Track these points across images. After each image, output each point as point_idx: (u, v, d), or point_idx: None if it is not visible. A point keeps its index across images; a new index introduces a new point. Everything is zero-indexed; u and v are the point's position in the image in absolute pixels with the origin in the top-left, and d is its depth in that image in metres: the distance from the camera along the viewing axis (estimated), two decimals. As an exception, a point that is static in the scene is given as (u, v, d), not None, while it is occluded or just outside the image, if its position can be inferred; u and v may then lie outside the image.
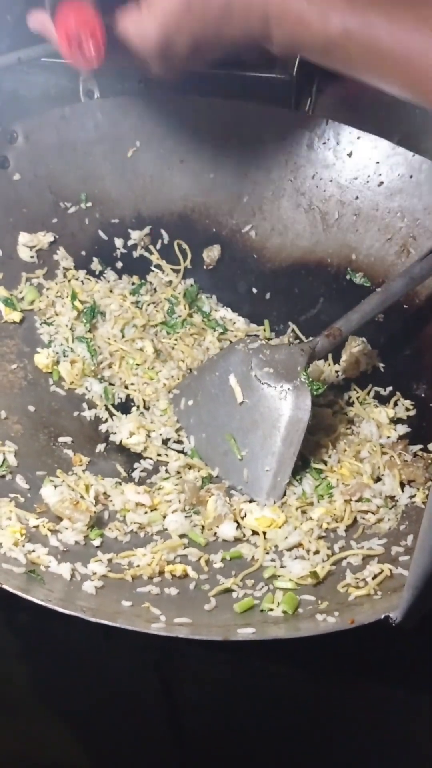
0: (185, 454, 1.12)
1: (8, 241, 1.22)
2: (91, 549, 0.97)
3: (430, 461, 1.07)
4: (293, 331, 1.26)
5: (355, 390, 1.19)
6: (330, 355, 1.21)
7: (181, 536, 1.00)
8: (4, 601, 0.86)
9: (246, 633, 0.83)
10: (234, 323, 1.27)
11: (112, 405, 1.17)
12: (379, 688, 0.99)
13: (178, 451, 1.13)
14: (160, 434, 1.14)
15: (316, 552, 0.97)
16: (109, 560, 0.95)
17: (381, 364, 1.21)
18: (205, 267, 1.30)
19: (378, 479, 1.06)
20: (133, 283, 1.28)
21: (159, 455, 1.12)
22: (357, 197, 1.23)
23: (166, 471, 1.10)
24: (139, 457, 1.12)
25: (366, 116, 1.48)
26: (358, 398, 1.18)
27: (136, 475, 1.10)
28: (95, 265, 1.28)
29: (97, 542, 0.98)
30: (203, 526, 1.02)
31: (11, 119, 1.24)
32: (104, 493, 1.04)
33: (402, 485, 1.05)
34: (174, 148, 1.28)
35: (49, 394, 1.16)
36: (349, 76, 0.99)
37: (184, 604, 0.91)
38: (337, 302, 1.22)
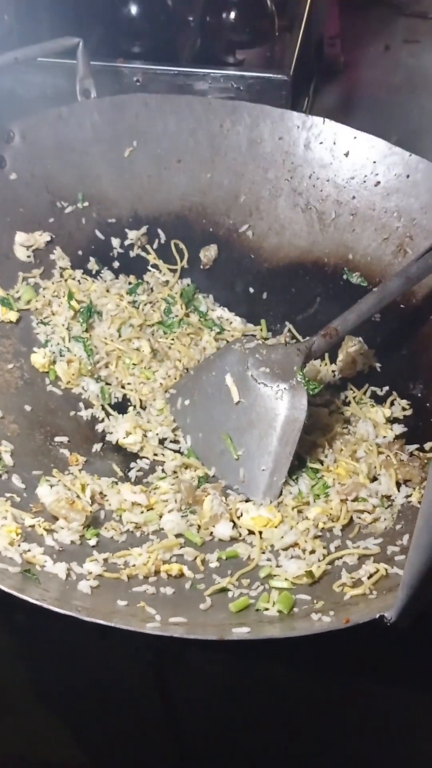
0: (182, 453, 1.12)
1: (5, 240, 1.22)
2: (86, 548, 0.97)
3: (426, 461, 1.07)
4: (290, 330, 1.26)
5: (351, 389, 1.19)
6: (326, 355, 1.21)
7: (177, 536, 1.00)
8: (0, 601, 0.86)
9: (241, 632, 0.82)
10: (231, 323, 1.28)
11: (109, 404, 1.17)
12: (376, 687, 0.99)
13: (175, 451, 1.13)
14: (157, 434, 1.14)
15: (312, 551, 0.97)
16: (105, 560, 0.95)
17: (377, 364, 1.21)
18: (201, 267, 1.30)
19: (374, 479, 1.06)
20: (129, 283, 1.28)
21: (155, 455, 1.12)
22: (354, 197, 1.23)
23: (163, 470, 1.10)
24: (135, 456, 1.12)
25: (363, 116, 1.48)
26: (354, 398, 1.18)
27: (132, 474, 1.10)
28: (92, 264, 1.28)
29: (92, 542, 0.98)
30: (199, 526, 1.02)
31: (8, 119, 1.24)
32: (100, 493, 1.04)
33: (398, 485, 1.05)
34: (171, 148, 1.28)
35: (46, 394, 1.16)
36: None
37: (180, 603, 0.91)
38: (333, 302, 1.22)
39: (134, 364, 1.20)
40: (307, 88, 1.62)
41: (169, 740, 1.06)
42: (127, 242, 1.29)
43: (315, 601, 0.90)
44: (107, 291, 1.26)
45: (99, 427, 1.15)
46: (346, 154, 1.23)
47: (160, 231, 1.30)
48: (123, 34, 1.50)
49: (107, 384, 1.19)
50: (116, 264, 1.29)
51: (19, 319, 1.20)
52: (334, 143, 1.24)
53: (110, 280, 1.28)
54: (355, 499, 1.03)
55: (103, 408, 1.17)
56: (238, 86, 1.41)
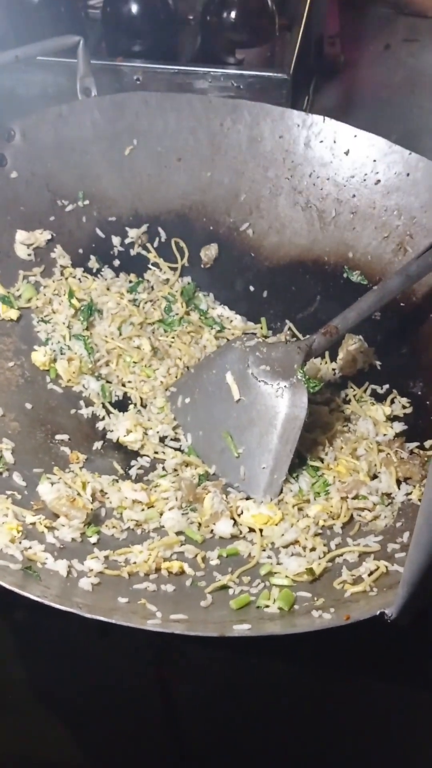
0: (182, 451, 1.12)
1: (5, 239, 1.22)
2: (87, 546, 0.97)
3: (426, 458, 1.07)
4: (290, 329, 1.26)
5: (351, 388, 1.19)
6: (327, 353, 1.21)
7: (178, 533, 1.00)
8: (0, 599, 0.86)
9: (242, 629, 0.83)
10: (231, 321, 1.28)
11: (109, 402, 1.17)
12: (377, 684, 0.99)
13: (175, 449, 1.13)
14: (157, 432, 1.14)
15: (313, 549, 0.98)
16: (106, 557, 0.95)
17: (378, 362, 1.21)
18: (202, 265, 1.30)
19: (374, 476, 1.07)
20: (130, 281, 1.29)
21: (156, 453, 1.12)
22: (354, 195, 1.24)
23: (163, 468, 1.10)
24: (136, 454, 1.13)
25: (363, 114, 1.48)
26: (354, 396, 1.18)
27: (133, 472, 1.10)
28: (92, 263, 1.28)
29: (93, 539, 0.98)
30: (200, 524, 1.02)
31: (9, 117, 1.24)
32: (101, 491, 1.04)
33: (398, 482, 1.05)
34: (171, 147, 1.28)
35: (46, 392, 1.16)
36: None
37: (181, 600, 0.91)
38: (333, 300, 1.22)
39: (135, 363, 1.20)
40: (307, 87, 1.62)
41: (169, 739, 1.06)
42: (127, 240, 1.29)
43: (315, 599, 0.90)
44: (108, 289, 1.26)
45: (99, 425, 1.15)
46: (347, 153, 1.23)
47: (160, 229, 1.30)
48: (123, 33, 1.51)
49: (108, 382, 1.19)
50: (117, 262, 1.29)
51: (20, 317, 1.20)
52: (335, 142, 1.24)
53: (111, 279, 1.28)
54: (356, 497, 1.03)
55: (104, 406, 1.17)
56: (239, 85, 1.41)
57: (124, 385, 1.19)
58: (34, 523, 0.97)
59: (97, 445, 1.12)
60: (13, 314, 1.19)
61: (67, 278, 1.25)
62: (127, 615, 0.85)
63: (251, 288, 1.29)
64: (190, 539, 1.00)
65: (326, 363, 1.22)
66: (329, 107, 1.61)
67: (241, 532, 1.02)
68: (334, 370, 1.22)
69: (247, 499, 1.05)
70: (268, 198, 1.28)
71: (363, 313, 1.09)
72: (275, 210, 1.28)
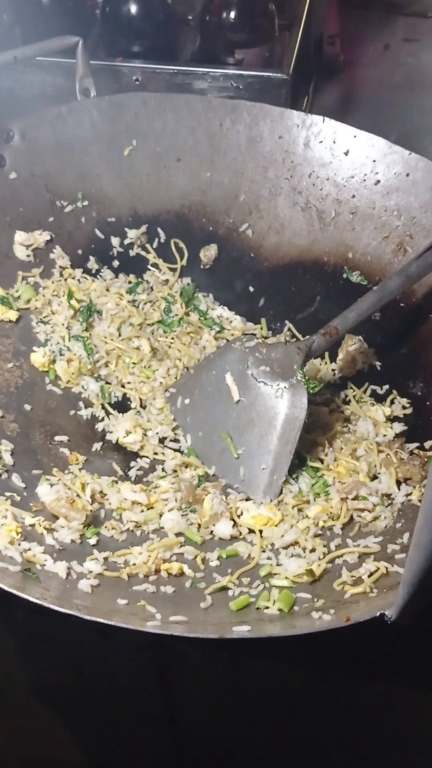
0: (182, 452, 1.12)
1: (4, 239, 1.22)
2: (87, 547, 0.97)
3: (426, 459, 1.07)
4: (290, 329, 1.26)
5: (351, 388, 1.19)
6: (326, 354, 1.21)
7: (178, 534, 1.00)
8: (0, 600, 0.86)
9: (242, 631, 0.83)
10: (231, 322, 1.28)
11: (109, 404, 1.17)
12: (377, 685, 0.98)
13: (175, 450, 1.13)
14: (157, 433, 1.14)
15: (313, 550, 0.97)
16: (105, 559, 0.95)
17: (377, 363, 1.21)
18: (202, 266, 1.30)
19: (374, 477, 1.06)
20: (129, 282, 1.28)
21: (155, 454, 1.12)
22: (354, 196, 1.23)
23: (163, 469, 1.10)
24: (135, 455, 1.12)
25: (363, 115, 1.48)
26: (354, 396, 1.18)
27: (132, 473, 1.10)
28: (92, 263, 1.28)
29: (93, 541, 0.98)
30: (199, 525, 1.02)
31: (8, 118, 1.24)
32: (100, 492, 1.04)
33: (398, 483, 1.05)
34: (170, 147, 1.28)
35: (46, 393, 1.16)
36: None
37: (180, 602, 0.91)
38: (333, 301, 1.22)
39: (134, 363, 1.20)
40: (307, 87, 1.61)
41: (169, 739, 1.06)
42: (126, 241, 1.29)
43: (315, 600, 0.90)
44: (107, 290, 1.26)
45: (99, 426, 1.15)
46: (346, 153, 1.23)
47: (159, 230, 1.30)
48: (123, 33, 1.50)
49: (107, 383, 1.19)
50: (116, 263, 1.29)
51: (19, 318, 1.20)
52: (334, 142, 1.24)
53: (110, 279, 1.28)
54: (356, 498, 1.03)
55: (103, 407, 1.17)
56: (238, 85, 1.41)
57: (123, 386, 1.19)
58: (33, 525, 0.97)
59: (97, 446, 1.12)
60: (12, 315, 1.19)
61: (66, 279, 1.25)
62: (126, 617, 0.85)
63: (251, 288, 1.29)
64: (190, 540, 1.00)
65: (326, 363, 1.22)
66: (329, 107, 1.61)
67: (240, 533, 1.02)
68: (333, 370, 1.22)
69: (247, 500, 1.05)
70: (268, 198, 1.28)
71: (363, 314, 1.09)
72: (275, 210, 1.28)
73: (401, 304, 1.18)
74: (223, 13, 1.49)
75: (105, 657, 1.02)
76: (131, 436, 1.13)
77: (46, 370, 1.18)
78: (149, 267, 1.30)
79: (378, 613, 0.78)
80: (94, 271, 1.28)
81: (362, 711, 0.99)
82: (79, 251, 1.27)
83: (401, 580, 0.72)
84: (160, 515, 1.02)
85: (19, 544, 0.93)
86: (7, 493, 1.00)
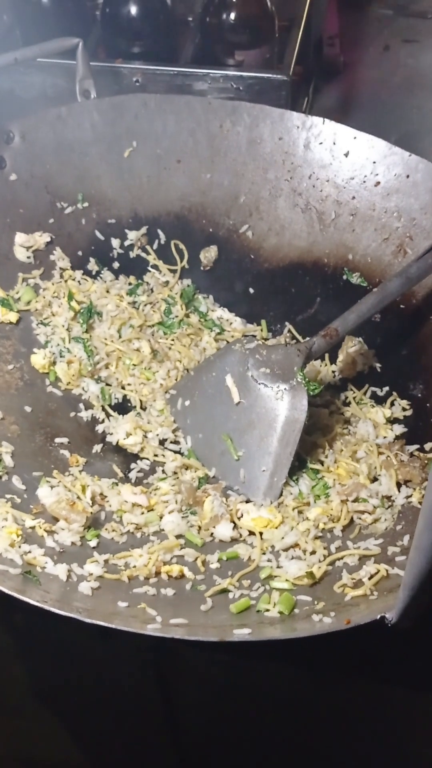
0: (182, 454, 1.12)
1: (5, 241, 1.22)
2: (87, 550, 0.97)
3: (426, 461, 1.07)
4: (290, 331, 1.26)
5: (351, 390, 1.19)
6: (327, 355, 1.21)
7: (178, 537, 1.00)
8: (0, 602, 0.86)
9: (242, 634, 0.82)
10: (231, 323, 1.27)
11: (109, 405, 1.17)
12: (377, 688, 0.99)
13: (175, 452, 1.12)
14: (157, 435, 1.14)
15: (313, 552, 0.97)
16: (106, 561, 0.95)
17: (378, 364, 1.21)
18: (202, 268, 1.30)
19: (374, 479, 1.06)
20: (130, 284, 1.28)
21: (156, 456, 1.12)
22: (354, 197, 1.23)
23: (163, 471, 1.10)
24: (135, 457, 1.12)
25: (363, 116, 1.48)
26: (354, 398, 1.18)
27: (132, 475, 1.10)
28: (92, 265, 1.28)
29: (93, 543, 0.98)
30: (200, 527, 1.02)
31: (8, 119, 1.24)
32: (101, 494, 1.04)
33: (398, 485, 1.05)
34: (170, 148, 1.28)
35: (46, 395, 1.16)
36: None
37: (181, 604, 0.91)
38: (333, 302, 1.22)
39: (134, 365, 1.20)
40: (307, 88, 1.62)
41: (169, 741, 1.06)
42: (127, 243, 1.29)
43: (316, 602, 0.90)
44: (107, 292, 1.26)
45: (99, 428, 1.15)
46: (346, 155, 1.23)
47: (159, 231, 1.30)
48: (123, 35, 1.50)
49: (107, 385, 1.19)
50: (116, 264, 1.29)
51: (19, 320, 1.20)
52: (334, 143, 1.24)
53: (110, 281, 1.28)
54: (356, 500, 1.03)
55: (104, 409, 1.17)
56: (238, 86, 1.41)
57: (123, 388, 1.19)
58: (33, 527, 0.97)
59: (97, 448, 1.12)
60: (13, 317, 1.19)
61: (66, 281, 1.25)
62: (126, 619, 0.85)
63: (251, 290, 1.29)
64: (190, 543, 1.00)
65: (326, 365, 1.22)
66: (329, 108, 1.61)
67: (241, 536, 1.02)
68: (334, 372, 1.22)
69: (247, 502, 1.05)
70: (268, 200, 1.28)
71: (363, 315, 1.09)
72: (275, 212, 1.28)
73: (401, 306, 1.18)
74: (223, 15, 1.49)
75: (105, 659, 1.02)
76: (131, 438, 1.12)
77: (47, 371, 1.18)
78: (149, 268, 1.30)
79: (378, 616, 0.78)
80: (94, 273, 1.28)
81: (363, 713, 0.99)
82: (80, 253, 1.27)
83: (402, 583, 0.72)
84: (161, 517, 1.02)
85: (20, 547, 0.93)
86: (8, 496, 1.00)
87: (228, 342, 1.23)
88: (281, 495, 1.05)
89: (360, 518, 1.03)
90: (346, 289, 1.23)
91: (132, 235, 1.29)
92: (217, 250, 1.30)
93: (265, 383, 1.04)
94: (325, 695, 1.00)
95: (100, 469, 1.09)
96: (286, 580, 0.93)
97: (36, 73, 1.41)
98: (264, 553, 0.98)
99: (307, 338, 1.11)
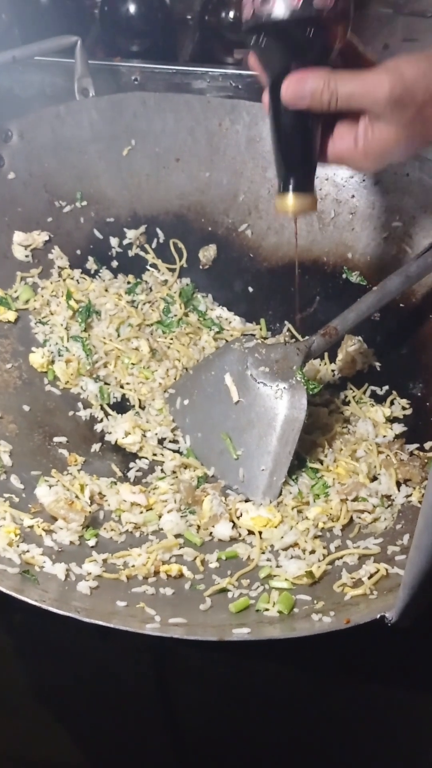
0: (181, 453, 1.12)
1: (3, 240, 1.21)
2: (86, 549, 0.97)
3: (426, 460, 1.07)
4: (289, 330, 1.26)
5: (351, 389, 1.19)
6: (326, 354, 1.21)
7: (177, 536, 1.00)
8: (-1, 601, 0.86)
9: (241, 633, 0.82)
10: (230, 322, 1.27)
11: (108, 404, 1.17)
12: (377, 687, 0.98)
13: (174, 451, 1.12)
14: (156, 434, 1.14)
15: (312, 551, 0.97)
16: (104, 560, 0.95)
17: (377, 363, 1.20)
18: (201, 266, 1.30)
19: (374, 478, 1.06)
20: (128, 282, 1.28)
21: (154, 455, 1.12)
22: (353, 196, 1.23)
23: (162, 471, 1.10)
24: (134, 456, 1.12)
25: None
26: (354, 397, 1.18)
27: (131, 474, 1.10)
28: (90, 264, 1.27)
29: (92, 542, 0.98)
30: (199, 526, 1.02)
31: (6, 118, 1.23)
32: (99, 493, 1.04)
33: (398, 484, 1.05)
34: (169, 147, 1.28)
35: (44, 394, 1.15)
36: None
37: (180, 604, 0.90)
38: (333, 301, 1.22)
39: (133, 364, 1.19)
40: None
41: (169, 741, 1.06)
42: (125, 241, 1.29)
43: (315, 602, 0.89)
44: (106, 290, 1.26)
45: (98, 427, 1.14)
46: (346, 153, 1.23)
47: (158, 230, 1.29)
48: (121, 33, 1.50)
49: (106, 384, 1.19)
50: (115, 263, 1.29)
51: (18, 318, 1.19)
52: (333, 142, 1.23)
53: (109, 280, 1.28)
54: (355, 499, 1.03)
55: (102, 408, 1.16)
56: (237, 85, 1.41)
57: (122, 387, 1.19)
58: (32, 526, 0.96)
59: (96, 447, 1.12)
60: (11, 316, 1.18)
61: (65, 279, 1.24)
62: (125, 619, 0.85)
63: (250, 289, 1.29)
64: (189, 542, 1.00)
65: (325, 364, 1.22)
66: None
67: (240, 535, 1.01)
68: (333, 371, 1.21)
69: (246, 501, 1.04)
70: (267, 198, 1.27)
71: (362, 314, 1.09)
72: (274, 211, 1.27)
73: (401, 305, 1.18)
74: (222, 13, 1.49)
75: (104, 658, 1.02)
76: (130, 437, 1.12)
77: (45, 370, 1.17)
78: (148, 267, 1.30)
79: (378, 616, 0.78)
80: (92, 272, 1.28)
81: (362, 713, 0.98)
82: (78, 251, 1.27)
83: (401, 583, 0.72)
84: (159, 516, 1.02)
85: (18, 546, 0.92)
86: (6, 495, 0.99)
87: (227, 341, 1.23)
88: (280, 494, 1.04)
89: (360, 517, 1.02)
90: (345, 288, 1.23)
91: (131, 234, 1.28)
92: (216, 248, 1.29)
93: (265, 382, 1.04)
94: (324, 694, 1.00)
95: (99, 468, 1.09)
96: (286, 580, 0.93)
97: (34, 72, 1.41)
98: (263, 553, 0.98)
99: (307, 337, 1.11)
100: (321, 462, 1.08)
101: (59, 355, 1.18)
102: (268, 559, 0.97)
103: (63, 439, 1.10)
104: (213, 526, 1.01)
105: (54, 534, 0.96)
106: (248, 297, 1.29)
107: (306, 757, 1.02)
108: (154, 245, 1.30)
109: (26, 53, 1.24)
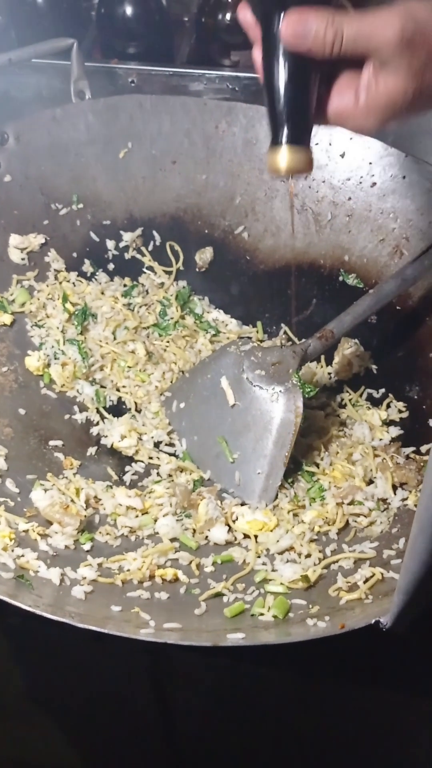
0: (177, 457, 1.11)
1: (-1, 243, 1.21)
2: (81, 553, 0.96)
3: (422, 464, 1.06)
4: (285, 333, 1.26)
5: (347, 392, 1.19)
6: (322, 357, 1.21)
7: (172, 540, 1.00)
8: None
9: (236, 638, 0.82)
10: (226, 325, 1.27)
11: (104, 408, 1.16)
12: (373, 692, 0.98)
13: (170, 454, 1.12)
14: (152, 437, 1.13)
15: (308, 555, 0.97)
16: (99, 565, 0.94)
17: (374, 366, 1.20)
18: (197, 269, 1.30)
19: (370, 482, 1.06)
20: (125, 285, 1.28)
21: (150, 458, 1.11)
22: (350, 198, 1.23)
23: (158, 474, 1.09)
24: (130, 460, 1.12)
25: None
26: (350, 400, 1.18)
27: (127, 478, 1.09)
28: (87, 266, 1.27)
29: (87, 546, 0.97)
30: (194, 530, 1.01)
31: (2, 120, 1.23)
32: (95, 497, 1.03)
33: (394, 488, 1.04)
34: (166, 149, 1.28)
35: (40, 397, 1.15)
36: None
37: (175, 608, 0.90)
38: (329, 304, 1.22)
39: (129, 367, 1.19)
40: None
41: (165, 744, 1.06)
42: (122, 244, 1.29)
43: (310, 606, 0.89)
44: (102, 293, 1.25)
45: (94, 431, 1.14)
46: (342, 155, 1.23)
47: (155, 233, 1.29)
48: (118, 35, 1.50)
49: (102, 387, 1.18)
50: (111, 266, 1.29)
51: (14, 321, 1.19)
52: (330, 144, 1.23)
53: (105, 283, 1.27)
54: (351, 503, 1.03)
55: (98, 411, 1.16)
56: (234, 87, 1.41)
57: (118, 390, 1.18)
58: (26, 531, 0.96)
59: (91, 450, 1.12)
60: (7, 319, 1.18)
61: (61, 282, 1.24)
62: (120, 624, 0.84)
63: (247, 292, 1.29)
64: (185, 546, 0.99)
65: (322, 367, 1.22)
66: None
67: (235, 539, 1.01)
68: (329, 374, 1.21)
69: (242, 504, 1.04)
70: (264, 201, 1.27)
71: (359, 317, 1.09)
72: (271, 213, 1.27)
73: (397, 307, 1.18)
74: (219, 15, 1.49)
75: (100, 662, 1.01)
76: (126, 441, 1.12)
77: (41, 373, 1.17)
78: (144, 270, 1.29)
79: (373, 621, 0.77)
80: (89, 275, 1.27)
81: (358, 717, 0.98)
82: (74, 254, 1.27)
83: (396, 587, 0.72)
84: (155, 520, 1.02)
85: (13, 551, 0.92)
86: (1, 499, 0.99)
87: (223, 344, 1.22)
88: (276, 498, 1.04)
89: (355, 521, 1.02)
90: (342, 291, 1.22)
91: (127, 237, 1.28)
92: (212, 251, 1.29)
93: (261, 385, 1.04)
94: (319, 698, 0.99)
95: (95, 471, 1.08)
96: (281, 584, 0.93)
97: (31, 74, 1.41)
98: (259, 557, 0.98)
99: (303, 340, 1.11)
100: (317, 465, 1.08)
101: (55, 358, 1.18)
102: (264, 563, 0.97)
103: (59, 443, 1.10)
104: (209, 530, 1.01)
105: (49, 538, 0.96)
106: (245, 300, 1.29)
107: (301, 761, 1.02)
108: (150, 248, 1.30)
109: (23, 55, 1.24)
